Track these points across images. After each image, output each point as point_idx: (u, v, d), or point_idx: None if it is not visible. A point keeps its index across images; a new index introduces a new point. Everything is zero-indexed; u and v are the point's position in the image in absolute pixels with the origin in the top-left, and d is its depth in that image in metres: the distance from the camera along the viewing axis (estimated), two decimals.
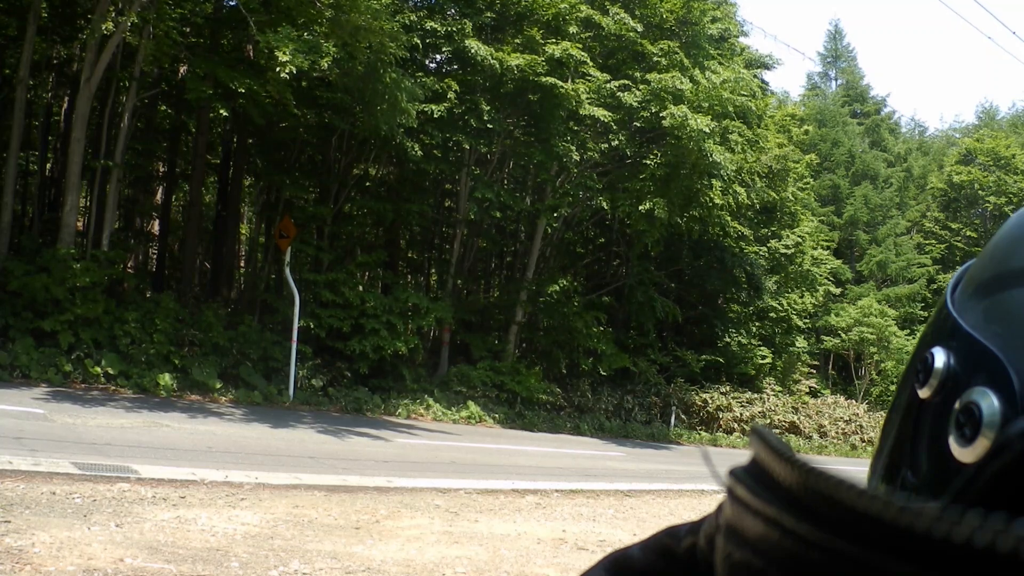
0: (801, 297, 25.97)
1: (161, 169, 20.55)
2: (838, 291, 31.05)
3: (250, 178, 20.52)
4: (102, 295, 13.46)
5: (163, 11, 13.52)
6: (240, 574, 4.88)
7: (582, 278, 21.70)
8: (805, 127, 28.55)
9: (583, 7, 16.77)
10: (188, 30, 15.48)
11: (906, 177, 39.43)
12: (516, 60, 15.76)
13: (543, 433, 16.82)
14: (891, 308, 30.59)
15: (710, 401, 21.91)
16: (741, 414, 21.97)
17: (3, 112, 15.18)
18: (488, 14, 16.73)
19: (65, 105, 18.34)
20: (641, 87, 16.72)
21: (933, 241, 35.07)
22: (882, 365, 29.62)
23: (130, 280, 16.24)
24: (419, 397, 16.20)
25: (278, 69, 11.59)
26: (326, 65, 12.22)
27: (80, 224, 16.04)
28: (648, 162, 17.08)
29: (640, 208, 16.70)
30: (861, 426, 25.09)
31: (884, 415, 0.51)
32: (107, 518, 5.67)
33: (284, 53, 11.41)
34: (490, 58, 15.63)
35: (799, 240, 24.60)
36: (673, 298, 21.72)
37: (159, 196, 21.11)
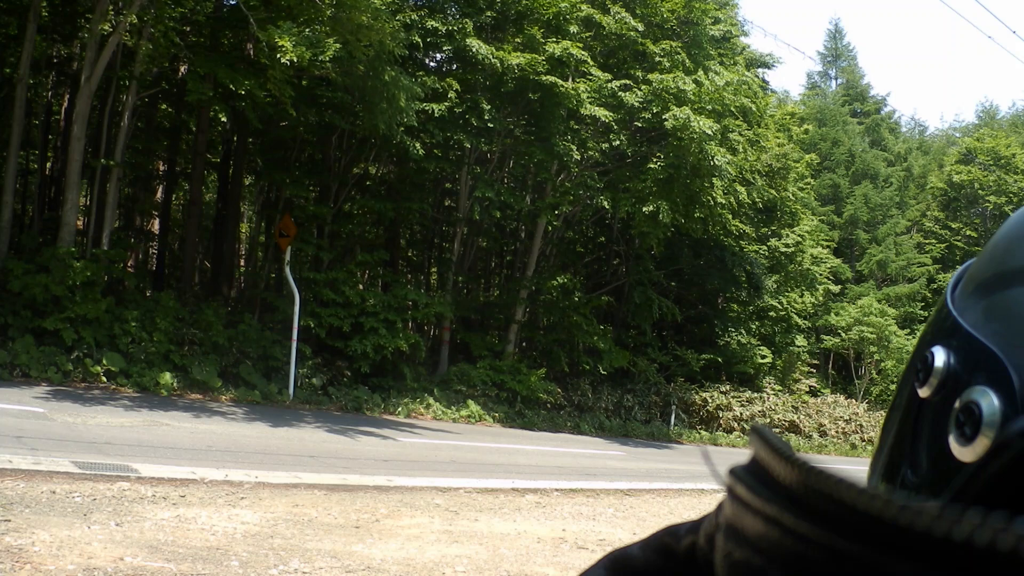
0: (801, 296, 25.96)
1: (161, 168, 20.56)
2: (838, 290, 31.05)
3: (250, 177, 20.53)
4: (102, 294, 13.46)
5: (162, 11, 13.51)
6: (240, 573, 4.88)
7: (582, 277, 21.71)
8: (805, 126, 28.51)
9: (584, 6, 16.75)
10: (188, 29, 15.47)
11: (906, 176, 39.41)
12: (517, 59, 15.75)
13: (543, 432, 16.82)
14: (891, 307, 30.57)
15: (710, 400, 21.91)
16: (741, 413, 21.97)
17: (3, 111, 15.17)
18: (489, 13, 16.72)
19: (65, 104, 18.34)
20: (643, 87, 16.71)
21: (933, 240, 35.04)
22: (882, 364, 29.61)
23: (130, 279, 16.24)
24: (419, 396, 16.20)
25: (279, 56, 11.57)
26: (328, 58, 12.23)
27: (80, 223, 16.03)
28: (652, 166, 17.08)
29: (644, 210, 16.69)
30: (861, 425, 25.09)
31: (884, 414, 0.52)
32: (107, 517, 5.67)
33: (286, 41, 11.41)
34: (491, 57, 15.62)
35: (799, 239, 24.59)
36: (673, 297, 21.73)
37: (159, 195, 21.11)
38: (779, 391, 24.51)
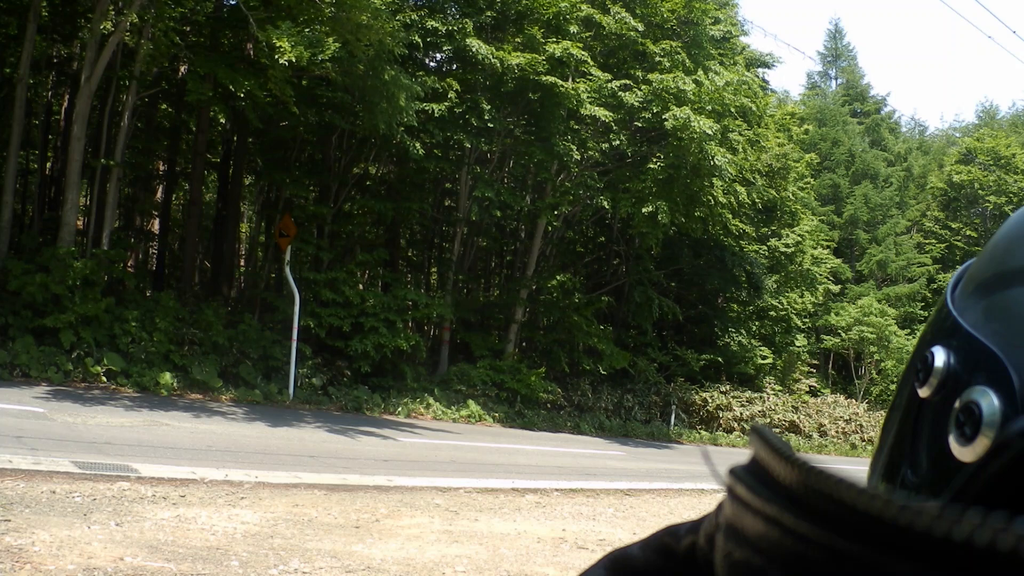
0: (801, 296, 25.95)
1: (161, 167, 20.57)
2: (838, 290, 31.05)
3: (250, 176, 20.54)
4: (102, 294, 13.46)
5: (162, 11, 13.51)
6: (240, 573, 4.88)
7: (582, 277, 21.72)
8: (805, 126, 28.51)
9: (584, 6, 16.75)
10: (188, 29, 15.48)
11: (906, 176, 39.40)
12: (517, 59, 15.76)
13: (543, 432, 16.82)
14: (891, 307, 30.57)
15: (710, 400, 21.91)
16: (741, 413, 21.97)
17: (3, 111, 15.18)
18: (489, 13, 16.72)
19: (65, 104, 18.35)
20: (643, 87, 16.71)
21: (933, 240, 35.05)
22: (882, 364, 29.61)
23: (130, 279, 16.24)
24: (419, 396, 16.20)
25: (277, 57, 11.58)
26: (328, 57, 12.24)
27: (80, 223, 16.04)
28: (652, 166, 17.08)
29: (643, 210, 16.69)
30: (861, 425, 25.09)
31: (884, 414, 0.52)
32: (107, 517, 5.67)
33: (284, 42, 11.43)
34: (491, 57, 15.62)
35: (799, 239, 24.59)
36: (673, 297, 21.73)
37: (159, 195, 21.12)
38: (779, 391, 24.51)
